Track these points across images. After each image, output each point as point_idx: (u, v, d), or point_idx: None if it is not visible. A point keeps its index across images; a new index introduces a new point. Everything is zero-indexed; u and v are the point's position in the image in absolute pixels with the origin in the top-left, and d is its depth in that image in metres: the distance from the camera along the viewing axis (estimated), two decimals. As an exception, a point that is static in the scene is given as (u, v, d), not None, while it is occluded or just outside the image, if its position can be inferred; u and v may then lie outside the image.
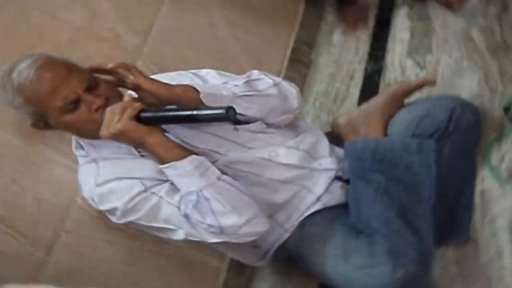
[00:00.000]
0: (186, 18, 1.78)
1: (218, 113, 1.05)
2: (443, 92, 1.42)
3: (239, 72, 1.35)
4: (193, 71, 1.33)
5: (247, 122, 1.25)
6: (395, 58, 1.75)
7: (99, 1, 1.65)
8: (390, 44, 1.81)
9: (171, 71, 1.34)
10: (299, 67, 1.96)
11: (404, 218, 1.17)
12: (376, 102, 1.39)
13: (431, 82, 1.38)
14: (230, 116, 1.05)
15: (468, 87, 1.47)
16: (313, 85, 1.92)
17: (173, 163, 1.08)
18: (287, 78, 1.85)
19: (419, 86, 1.37)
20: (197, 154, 1.12)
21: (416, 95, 1.42)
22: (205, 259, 1.49)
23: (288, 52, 1.93)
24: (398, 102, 1.36)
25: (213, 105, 1.12)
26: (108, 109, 1.08)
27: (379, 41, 1.87)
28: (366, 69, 1.82)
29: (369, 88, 1.70)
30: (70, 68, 1.14)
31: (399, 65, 1.70)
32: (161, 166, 1.10)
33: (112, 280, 1.35)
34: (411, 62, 1.67)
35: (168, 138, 1.12)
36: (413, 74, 1.63)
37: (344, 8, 1.96)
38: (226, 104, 1.11)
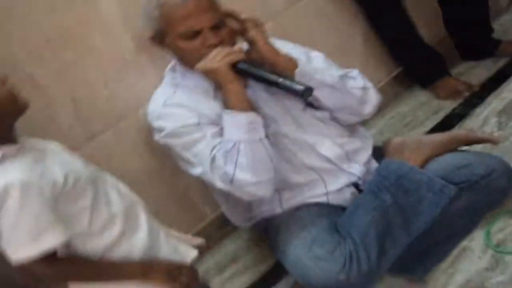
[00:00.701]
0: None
1: (297, 88, 1.18)
2: (501, 155, 1.39)
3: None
4: (307, 49, 1.42)
5: (317, 108, 1.34)
6: (485, 111, 1.73)
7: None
8: (490, 98, 1.79)
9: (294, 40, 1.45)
10: (398, 85, 2.03)
11: (381, 238, 1.20)
12: (435, 137, 1.41)
13: (494, 142, 1.37)
14: (304, 95, 1.19)
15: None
16: (400, 104, 1.97)
17: (234, 112, 1.20)
18: (385, 86, 1.97)
19: (482, 141, 1.38)
20: (258, 113, 1.23)
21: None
22: (200, 203, 1.67)
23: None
24: (455, 146, 1.37)
25: (304, 81, 1.23)
26: (217, 49, 1.21)
27: (483, 91, 1.85)
28: (453, 110, 1.82)
29: (443, 127, 1.71)
30: (210, 4, 1.26)
31: (483, 118, 1.69)
32: (224, 110, 1.22)
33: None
34: (495, 120, 1.65)
35: (244, 91, 1.23)
36: (489, 130, 1.61)
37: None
38: (311, 85, 1.21)
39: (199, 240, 1.19)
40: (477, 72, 1.98)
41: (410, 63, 1.99)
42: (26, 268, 0.90)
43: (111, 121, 1.52)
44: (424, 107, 1.91)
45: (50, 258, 0.90)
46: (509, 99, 1.74)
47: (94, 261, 0.97)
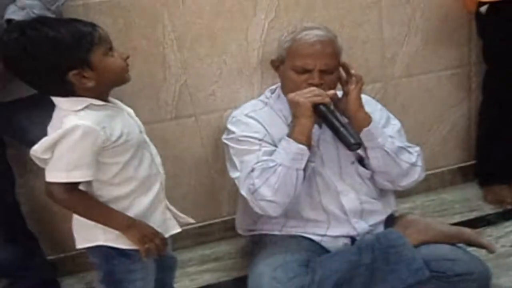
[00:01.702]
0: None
1: (348, 139, 1.33)
2: (493, 265, 1.48)
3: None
4: (390, 115, 1.57)
5: (364, 165, 1.50)
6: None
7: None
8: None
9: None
10: (460, 176, 2.16)
11: (336, 286, 1.32)
12: (442, 227, 1.51)
13: (490, 250, 1.45)
14: (351, 147, 1.34)
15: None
16: (447, 192, 2.10)
17: (291, 139, 1.35)
18: (449, 172, 2.14)
19: (481, 246, 1.46)
20: (309, 148, 1.36)
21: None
22: (222, 204, 1.90)
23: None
24: (455, 241, 1.45)
25: (366, 139, 1.40)
26: (312, 88, 1.37)
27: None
28: (487, 215, 1.90)
29: (466, 225, 1.77)
30: (332, 53, 1.42)
31: (506, 231, 1.79)
32: (286, 135, 1.37)
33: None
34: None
35: (311, 129, 1.36)
36: (504, 242, 1.73)
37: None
38: (371, 145, 1.41)
39: (190, 220, 1.30)
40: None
41: (486, 159, 2.05)
42: (51, 187, 1.06)
43: (199, 110, 1.76)
44: (465, 203, 2.00)
45: (70, 187, 1.06)
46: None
47: (99, 203, 1.11)
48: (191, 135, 1.80)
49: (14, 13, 1.18)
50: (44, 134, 1.08)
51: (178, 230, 1.24)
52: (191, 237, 1.87)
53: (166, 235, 1.20)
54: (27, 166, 1.63)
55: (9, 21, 1.18)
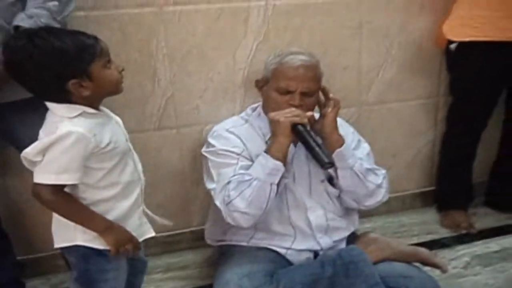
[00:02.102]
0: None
1: (322, 158, 1.40)
2: (445, 284, 1.60)
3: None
4: (361, 139, 1.66)
5: (333, 184, 1.58)
6: (465, 250, 1.95)
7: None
8: (480, 242, 2.00)
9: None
10: (420, 200, 2.29)
11: None
12: (401, 246, 1.59)
13: (443, 270, 1.55)
14: (324, 166, 1.42)
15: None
16: (406, 215, 2.22)
17: (268, 155, 1.41)
18: (409, 196, 2.27)
19: (434, 265, 1.56)
20: (284, 165, 1.42)
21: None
22: (194, 214, 1.97)
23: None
24: (412, 259, 1.55)
25: (337, 160, 1.47)
26: (292, 108, 1.44)
27: (479, 235, 2.04)
28: (442, 238, 2.03)
29: (422, 246, 1.84)
30: (314, 77, 1.49)
31: (458, 255, 1.92)
32: (264, 152, 1.43)
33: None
34: (465, 260, 1.88)
35: (287, 147, 1.42)
36: (456, 264, 1.86)
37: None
38: (342, 166, 1.48)
39: (166, 222, 1.37)
40: (489, 219, 2.15)
41: (445, 186, 2.18)
42: (39, 188, 1.11)
43: (182, 123, 1.83)
44: (422, 225, 2.13)
45: (57, 189, 1.11)
46: (493, 250, 1.93)
47: (81, 205, 1.16)
48: (171, 146, 1.87)
49: (22, 21, 1.22)
50: (34, 136, 1.12)
51: (152, 234, 1.30)
52: (159, 245, 1.95)
53: (141, 239, 1.26)
54: (5, 168, 1.67)
55: (16, 27, 1.22)
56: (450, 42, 1.88)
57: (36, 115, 1.15)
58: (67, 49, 1.07)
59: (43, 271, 1.86)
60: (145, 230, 1.28)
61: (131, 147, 1.26)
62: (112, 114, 1.24)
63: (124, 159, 1.21)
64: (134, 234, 1.23)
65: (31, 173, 1.30)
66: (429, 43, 2.00)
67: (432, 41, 1.99)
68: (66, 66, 1.08)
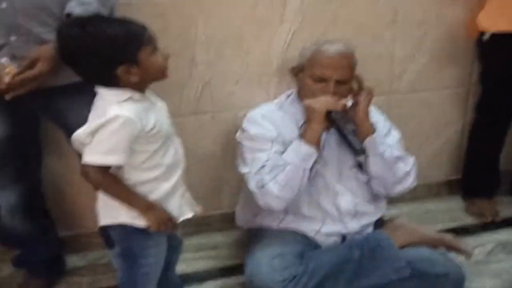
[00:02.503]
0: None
1: (355, 146, 1.47)
2: (468, 270, 1.62)
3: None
4: (393, 126, 1.67)
5: (362, 170, 1.60)
6: (490, 237, 1.98)
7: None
8: (505, 230, 2.03)
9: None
10: (446, 188, 2.32)
11: (326, 277, 1.44)
12: (427, 232, 1.63)
13: (467, 255, 1.60)
14: (356, 152, 1.48)
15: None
16: (433, 202, 2.25)
17: (302, 141, 1.46)
18: (436, 184, 2.28)
19: (459, 251, 1.60)
20: (317, 151, 1.46)
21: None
22: (225, 197, 2.02)
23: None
24: (438, 244, 1.59)
25: (368, 147, 1.50)
26: (327, 96, 1.47)
27: (505, 223, 2.07)
28: (466, 225, 2.07)
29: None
30: (349, 66, 1.51)
31: (482, 241, 1.95)
32: (298, 138, 1.48)
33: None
34: (491, 246, 1.92)
35: (321, 133, 1.47)
36: (480, 250, 1.89)
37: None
38: (372, 153, 1.51)
39: (198, 209, 1.38)
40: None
41: (471, 174, 2.20)
42: (87, 168, 1.15)
43: (217, 108, 1.87)
44: (447, 213, 2.16)
45: (104, 169, 1.16)
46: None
47: (125, 185, 1.21)
48: (205, 131, 1.91)
49: (73, 8, 1.27)
50: (81, 120, 1.17)
51: (191, 215, 1.34)
52: (191, 226, 1.99)
53: (180, 219, 1.31)
54: (49, 149, 1.73)
55: (68, 15, 1.27)
56: (482, 32, 1.88)
57: (83, 100, 1.20)
58: (118, 36, 1.12)
59: (80, 248, 1.94)
60: (184, 210, 1.32)
61: (174, 131, 1.31)
62: (157, 99, 1.29)
63: (167, 143, 1.26)
64: (174, 214, 1.28)
65: (72, 155, 1.40)
66: (462, 33, 2.00)
67: (465, 31, 1.99)
68: (116, 52, 1.12)
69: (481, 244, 1.94)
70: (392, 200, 2.02)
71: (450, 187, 2.30)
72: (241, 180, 1.62)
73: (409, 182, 1.60)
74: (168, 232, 1.30)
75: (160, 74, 1.22)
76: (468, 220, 2.12)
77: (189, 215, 1.34)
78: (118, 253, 1.31)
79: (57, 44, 1.15)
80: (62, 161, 1.79)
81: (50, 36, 1.29)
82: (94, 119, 1.17)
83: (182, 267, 1.81)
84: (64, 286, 1.79)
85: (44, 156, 1.68)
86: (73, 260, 1.90)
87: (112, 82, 1.15)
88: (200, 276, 1.82)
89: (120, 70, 1.13)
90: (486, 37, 1.88)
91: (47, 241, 1.71)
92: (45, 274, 1.74)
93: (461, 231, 2.02)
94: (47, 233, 1.71)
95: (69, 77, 1.30)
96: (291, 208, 1.56)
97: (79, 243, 1.93)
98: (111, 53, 1.12)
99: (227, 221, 1.99)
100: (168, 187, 1.26)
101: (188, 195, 1.36)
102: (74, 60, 1.15)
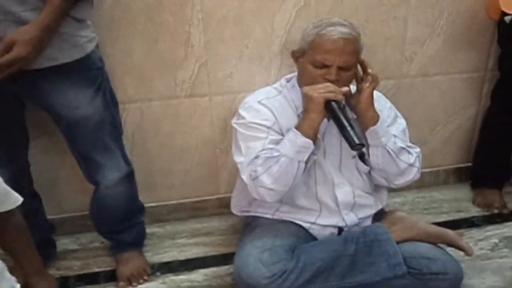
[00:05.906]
0: None
1: (352, 140, 1.35)
2: (468, 266, 1.58)
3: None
4: (398, 114, 1.59)
5: (364, 161, 1.54)
6: (495, 231, 1.90)
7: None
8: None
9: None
10: (454, 176, 2.23)
11: (317, 273, 1.39)
12: (427, 227, 1.56)
13: (468, 253, 1.52)
14: (354, 147, 1.36)
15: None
16: (439, 191, 2.17)
17: (298, 132, 1.38)
18: (444, 171, 2.19)
19: (460, 248, 1.53)
20: (315, 142, 1.39)
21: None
22: (221, 182, 1.97)
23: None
24: (438, 241, 1.53)
25: (369, 137, 1.45)
26: (327, 83, 1.38)
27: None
28: (472, 217, 1.99)
29: (450, 225, 1.83)
30: (353, 51, 1.41)
31: (487, 235, 1.88)
32: (294, 127, 1.40)
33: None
34: (495, 241, 1.84)
35: (319, 124, 1.39)
36: (484, 245, 1.82)
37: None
38: (374, 144, 1.45)
39: None
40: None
41: (481, 163, 2.12)
42: None
43: (215, 90, 1.79)
44: (453, 203, 2.08)
45: None
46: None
47: None
48: (202, 114, 1.84)
49: None
50: (65, 102, 1.13)
51: None
52: (186, 210, 1.97)
53: None
54: (36, 131, 1.67)
55: None
56: (505, 14, 1.74)
57: (66, 82, 1.16)
58: None
59: (72, 231, 1.92)
60: None
61: None
62: None
63: None
64: None
65: (60, 137, 1.32)
66: (481, 13, 1.86)
67: (484, 12, 1.85)
68: None
69: (486, 238, 1.86)
70: (396, 188, 1.92)
71: (459, 175, 2.22)
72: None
73: (412, 174, 1.53)
74: None
75: None
76: (474, 211, 2.04)
77: None
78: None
79: None
80: (51, 143, 1.74)
81: (30, 15, 1.20)
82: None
83: (173, 253, 1.81)
84: (55, 269, 1.76)
85: (32, 140, 1.62)
86: (65, 243, 1.88)
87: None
88: (191, 264, 1.77)
89: None
90: (509, 18, 1.74)
91: (36, 225, 1.65)
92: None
93: (466, 222, 1.96)
94: (36, 217, 1.67)
95: (51, 59, 1.24)
96: (287, 198, 1.52)
97: (71, 226, 1.90)
98: None
99: (224, 206, 1.95)
100: None
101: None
102: None
